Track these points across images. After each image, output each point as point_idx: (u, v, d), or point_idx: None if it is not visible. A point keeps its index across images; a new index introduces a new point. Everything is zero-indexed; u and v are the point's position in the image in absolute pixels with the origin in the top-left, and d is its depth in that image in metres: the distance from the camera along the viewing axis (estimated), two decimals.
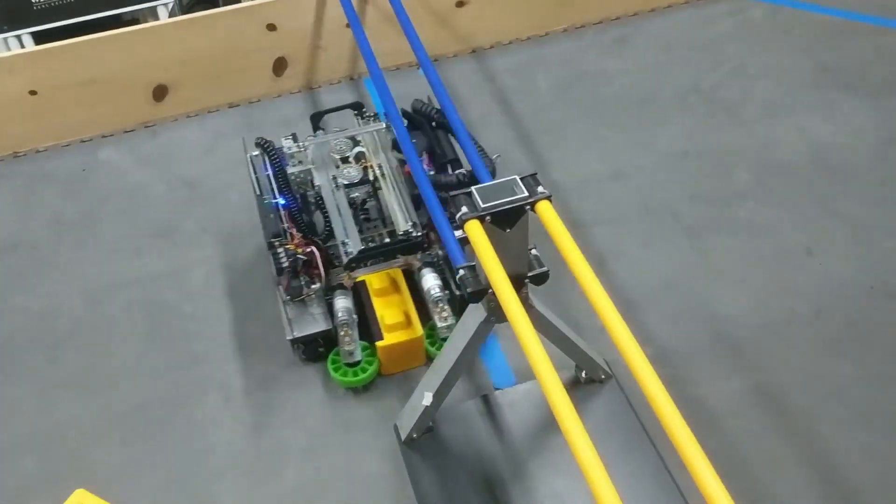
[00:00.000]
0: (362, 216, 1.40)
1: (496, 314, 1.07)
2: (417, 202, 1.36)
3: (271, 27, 1.83)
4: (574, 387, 1.29)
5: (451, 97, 1.84)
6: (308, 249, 1.32)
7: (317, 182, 1.41)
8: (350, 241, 1.32)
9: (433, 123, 1.50)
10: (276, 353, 1.38)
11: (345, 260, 1.33)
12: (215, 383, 1.36)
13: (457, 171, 1.41)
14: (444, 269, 1.35)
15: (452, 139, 1.46)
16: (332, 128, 1.54)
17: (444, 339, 1.27)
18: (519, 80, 1.92)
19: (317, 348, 1.34)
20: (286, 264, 1.33)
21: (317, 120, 1.60)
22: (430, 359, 1.34)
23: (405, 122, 1.43)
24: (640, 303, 1.43)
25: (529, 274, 1.07)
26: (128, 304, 1.49)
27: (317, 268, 1.32)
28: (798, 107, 1.78)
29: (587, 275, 0.92)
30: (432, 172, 1.43)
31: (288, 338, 1.30)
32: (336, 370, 1.31)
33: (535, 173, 1.01)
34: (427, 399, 1.16)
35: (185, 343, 1.42)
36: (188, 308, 1.48)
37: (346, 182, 1.41)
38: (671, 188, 1.63)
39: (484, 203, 0.97)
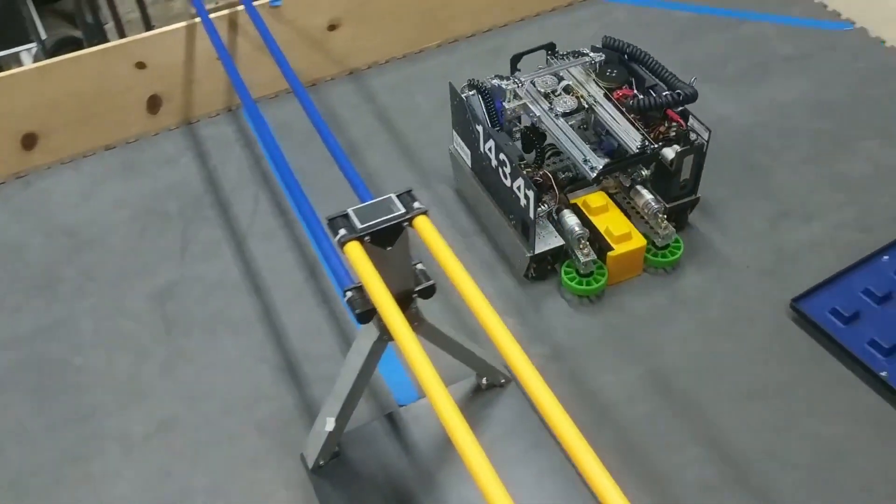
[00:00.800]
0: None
1: (388, 333, 1.08)
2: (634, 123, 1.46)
3: (140, 65, 1.80)
4: (476, 394, 1.31)
5: (332, 119, 1.88)
6: (541, 172, 1.45)
7: (536, 114, 1.49)
8: (591, 159, 1.41)
9: (625, 56, 1.57)
10: None
11: (592, 176, 1.41)
12: (113, 434, 1.32)
13: (664, 93, 1.46)
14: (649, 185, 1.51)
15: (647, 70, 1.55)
16: (527, 70, 1.56)
17: (664, 248, 1.50)
18: (398, 98, 1.94)
19: (547, 266, 1.50)
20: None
21: (515, 62, 1.60)
22: (646, 268, 1.51)
23: (602, 55, 1.56)
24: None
25: (417, 289, 1.08)
26: (12, 364, 1.43)
27: (551, 188, 1.45)
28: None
29: (468, 285, 0.94)
30: (634, 101, 1.48)
31: (528, 255, 1.45)
32: (571, 280, 1.46)
33: (410, 189, 1.03)
34: (329, 424, 1.16)
35: (77, 396, 1.37)
36: (78, 360, 1.43)
37: (563, 111, 1.48)
38: None
39: (362, 224, 0.98)
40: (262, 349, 1.43)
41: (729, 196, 1.63)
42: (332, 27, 1.94)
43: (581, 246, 1.43)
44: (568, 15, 2.16)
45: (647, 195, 1.47)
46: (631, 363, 1.36)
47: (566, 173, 1.51)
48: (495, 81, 1.52)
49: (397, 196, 1.01)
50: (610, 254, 1.44)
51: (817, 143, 1.73)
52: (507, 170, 1.43)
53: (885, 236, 1.51)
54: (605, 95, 1.50)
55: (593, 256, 1.44)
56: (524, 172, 1.41)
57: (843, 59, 1.93)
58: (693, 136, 1.46)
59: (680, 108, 1.46)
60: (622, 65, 1.56)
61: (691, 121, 1.47)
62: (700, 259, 1.52)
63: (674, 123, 1.46)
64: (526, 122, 1.54)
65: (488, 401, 1.30)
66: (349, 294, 1.05)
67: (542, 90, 1.52)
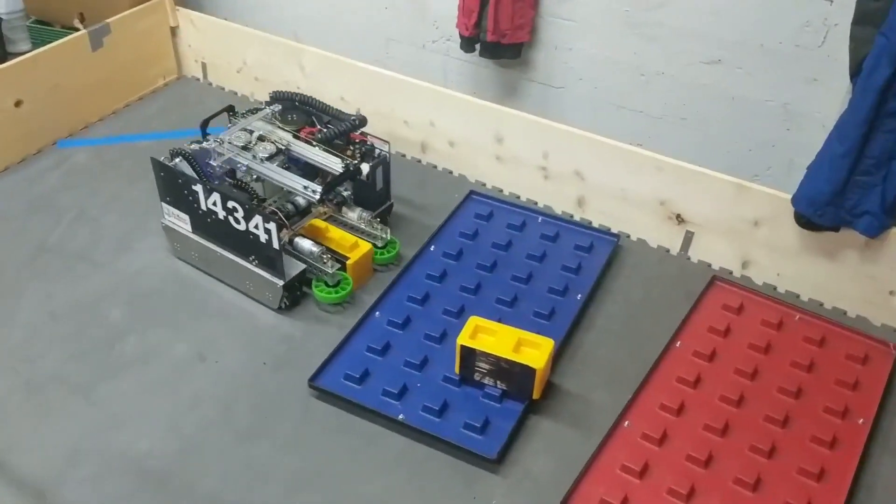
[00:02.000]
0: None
1: None
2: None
3: None
4: None
5: None
6: (269, 210, 1.67)
7: (244, 164, 1.67)
8: (310, 186, 1.63)
9: (297, 102, 1.84)
10: None
11: (316, 198, 1.64)
12: None
13: (342, 122, 1.76)
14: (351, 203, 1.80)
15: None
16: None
17: (383, 247, 1.75)
18: None
19: (297, 292, 1.65)
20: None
21: (204, 127, 1.78)
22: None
23: (279, 105, 1.85)
24: (54, 483, 1.33)
25: None
26: None
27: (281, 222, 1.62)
28: (148, 231, 1.85)
29: None
30: (321, 134, 1.75)
31: (280, 284, 1.60)
32: (322, 292, 1.63)
33: None
34: None
35: None
36: None
37: (266, 156, 1.69)
38: (48, 355, 1.55)
39: None
40: None
41: None
42: None
43: (324, 261, 1.62)
44: (25, 169, 2.03)
45: (357, 209, 1.76)
46: None
47: (284, 209, 1.70)
48: (194, 146, 1.71)
49: None
50: (348, 263, 1.65)
51: None
52: (240, 214, 1.57)
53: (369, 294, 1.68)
54: (294, 136, 1.76)
55: (337, 266, 1.64)
56: (260, 208, 1.60)
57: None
58: (377, 151, 1.74)
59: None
60: (297, 109, 1.84)
61: (370, 139, 1.76)
62: None
63: (356, 144, 1.74)
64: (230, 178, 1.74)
65: None
66: None
67: (240, 144, 1.70)
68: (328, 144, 1.73)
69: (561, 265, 1.75)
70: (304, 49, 2.17)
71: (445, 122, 2.01)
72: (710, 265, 1.79)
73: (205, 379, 1.52)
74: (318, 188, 1.63)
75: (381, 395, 1.47)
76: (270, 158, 1.70)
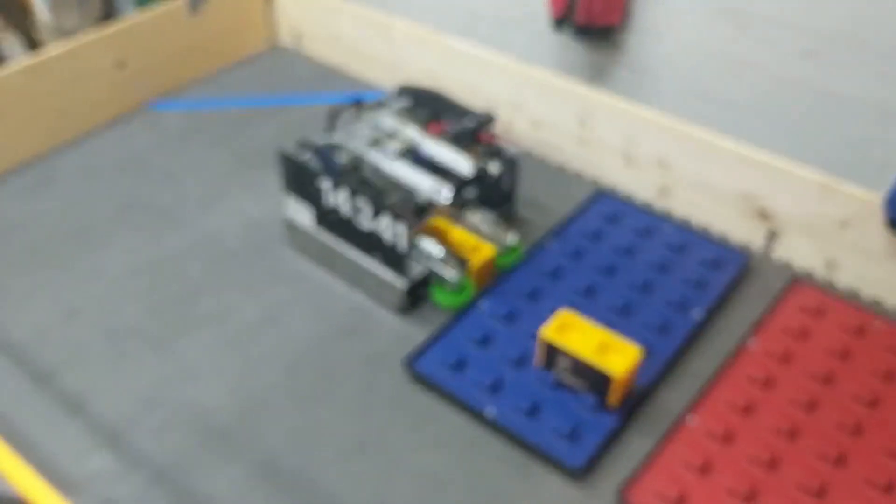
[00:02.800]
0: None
1: None
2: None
3: None
4: None
5: None
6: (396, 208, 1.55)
7: (371, 161, 1.60)
8: (440, 186, 1.53)
9: (424, 97, 1.76)
10: None
11: (445, 202, 1.54)
12: None
13: (468, 121, 1.69)
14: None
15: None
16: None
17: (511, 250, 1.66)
18: None
19: (416, 295, 1.59)
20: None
21: (333, 120, 1.72)
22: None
23: (405, 101, 1.77)
24: (126, 429, 1.39)
25: None
26: None
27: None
28: (230, 194, 1.90)
29: None
30: (449, 132, 1.68)
31: (402, 287, 1.55)
32: (441, 295, 1.58)
33: None
34: None
35: None
36: None
37: (394, 153, 1.62)
38: (130, 307, 1.62)
39: None
40: None
41: None
42: None
43: (449, 266, 1.55)
44: (120, 128, 2.12)
45: (479, 212, 1.68)
46: None
47: (407, 208, 1.57)
48: (321, 140, 1.64)
49: None
50: (469, 267, 1.56)
51: None
52: (368, 212, 1.53)
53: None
54: (422, 133, 1.67)
55: (459, 271, 1.56)
56: (387, 207, 1.50)
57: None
58: (506, 153, 1.69)
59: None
60: (424, 104, 1.77)
61: (499, 139, 1.71)
62: None
63: (484, 143, 1.69)
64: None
65: None
66: None
67: (368, 140, 1.65)
68: (455, 142, 1.67)
69: (682, 278, 1.66)
70: (392, 22, 2.18)
71: (528, 102, 1.99)
72: (791, 264, 1.73)
73: (273, 342, 1.56)
74: (449, 191, 1.54)
75: (472, 387, 1.44)
76: (398, 156, 1.64)
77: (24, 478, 0.83)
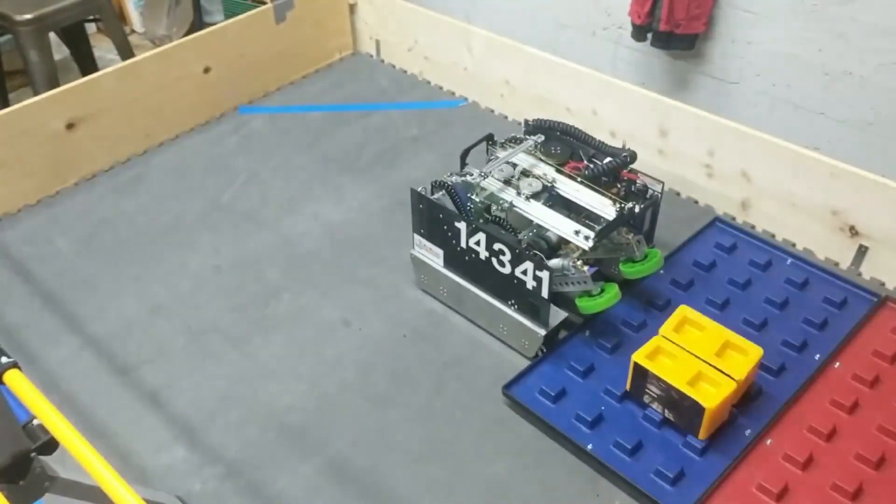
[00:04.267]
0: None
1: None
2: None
3: None
4: None
5: None
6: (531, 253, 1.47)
7: (507, 200, 1.54)
8: (581, 230, 1.46)
9: (558, 132, 1.66)
10: None
11: (588, 246, 1.45)
12: None
13: (608, 159, 1.57)
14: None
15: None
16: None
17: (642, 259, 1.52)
18: (36, 246, 1.83)
19: (553, 338, 1.52)
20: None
21: (464, 158, 1.64)
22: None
23: (541, 136, 1.65)
24: (202, 424, 1.43)
25: (34, 447, 1.01)
26: None
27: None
28: (311, 197, 1.94)
29: (72, 441, 0.89)
30: (588, 171, 1.58)
31: (541, 334, 1.48)
32: (590, 303, 1.46)
33: None
34: None
35: None
36: None
37: (530, 193, 1.54)
38: (211, 305, 1.67)
39: None
40: None
41: None
42: None
43: (580, 267, 1.45)
44: (207, 132, 2.19)
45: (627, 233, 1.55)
46: None
47: (536, 245, 1.54)
48: (455, 178, 1.56)
49: None
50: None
51: None
52: (507, 258, 1.46)
53: None
54: (558, 171, 1.60)
55: (591, 272, 1.47)
56: (531, 255, 1.44)
57: (461, 130, 2.15)
58: (649, 192, 1.58)
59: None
60: (559, 141, 1.66)
61: (641, 177, 1.58)
62: None
63: (625, 182, 1.57)
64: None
65: None
66: None
67: (502, 179, 1.58)
68: (595, 182, 1.57)
69: (803, 318, 1.56)
70: (472, 30, 2.19)
71: (608, 112, 1.97)
72: (883, 283, 1.66)
73: (347, 343, 1.58)
74: (591, 235, 1.46)
75: (573, 419, 1.41)
76: (535, 196, 1.56)
77: (100, 469, 0.86)
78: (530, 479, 1.34)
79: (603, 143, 1.64)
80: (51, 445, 1.02)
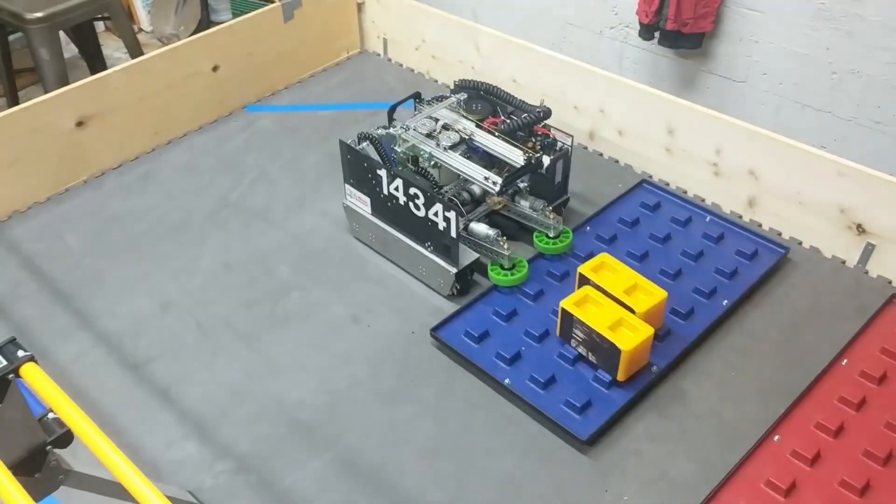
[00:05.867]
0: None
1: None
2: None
3: None
4: None
5: None
6: (447, 198, 1.64)
7: (427, 151, 1.68)
8: (490, 177, 1.61)
9: (481, 91, 1.80)
10: None
11: (496, 190, 1.62)
12: None
13: (524, 115, 1.71)
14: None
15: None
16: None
17: (556, 237, 1.71)
18: (46, 243, 1.84)
19: (467, 279, 1.66)
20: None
21: (391, 113, 1.81)
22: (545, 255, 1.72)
23: (464, 94, 1.82)
24: (212, 420, 1.44)
25: (50, 440, 1.02)
26: None
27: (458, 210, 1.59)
28: (320, 195, 1.95)
29: (90, 433, 0.90)
30: (504, 125, 1.72)
31: (453, 272, 1.61)
32: (498, 274, 1.63)
33: (14, 338, 0.98)
34: None
35: None
36: None
37: (449, 144, 1.69)
38: (221, 302, 1.68)
39: None
40: None
41: None
42: None
43: (501, 245, 1.62)
44: (216, 130, 2.20)
45: (530, 198, 1.73)
46: None
47: (460, 197, 1.72)
48: (381, 131, 1.73)
49: None
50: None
51: None
52: (421, 201, 1.59)
53: None
54: (477, 125, 1.74)
55: (512, 250, 1.63)
56: (440, 197, 1.58)
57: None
58: (559, 145, 1.73)
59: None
60: (481, 99, 1.81)
61: (553, 132, 1.73)
62: None
63: (539, 136, 1.72)
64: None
65: None
66: None
67: (424, 132, 1.71)
68: (510, 136, 1.71)
69: (715, 268, 1.68)
70: (480, 29, 2.20)
71: (616, 111, 1.98)
72: (890, 282, 1.66)
73: (357, 340, 1.59)
74: (499, 180, 1.62)
75: (493, 358, 1.50)
76: (453, 147, 1.70)
77: (118, 462, 0.87)
78: (539, 475, 1.35)
79: (522, 101, 1.77)
80: (66, 438, 1.03)
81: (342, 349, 1.57)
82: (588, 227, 1.79)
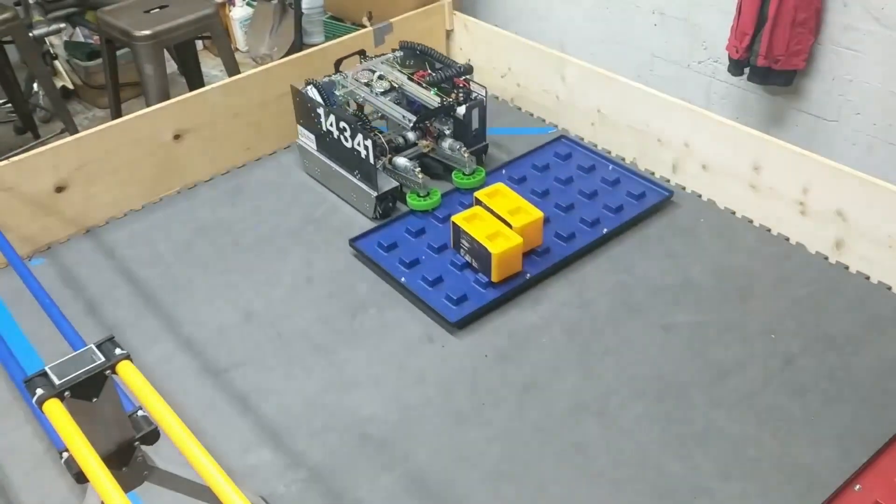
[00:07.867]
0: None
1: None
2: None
3: None
4: None
5: (70, 280, 1.83)
6: (374, 135, 1.94)
7: (361, 95, 2.03)
8: (406, 115, 1.95)
9: (417, 51, 2.16)
10: None
11: (409, 125, 1.95)
12: None
13: (453, 68, 2.05)
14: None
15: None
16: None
17: (470, 174, 2.03)
18: (139, 249, 1.93)
19: (389, 204, 1.97)
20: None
21: (338, 65, 2.13)
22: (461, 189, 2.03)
23: (401, 52, 2.19)
24: (287, 429, 1.48)
25: (138, 436, 1.07)
26: None
27: (383, 147, 1.96)
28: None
29: (179, 433, 0.94)
30: (430, 77, 2.06)
31: (374, 195, 1.91)
32: (415, 200, 1.94)
33: (112, 336, 1.03)
34: None
35: None
36: None
37: (380, 91, 2.04)
38: (301, 314, 1.72)
39: (59, 379, 0.96)
40: None
41: None
42: (59, 189, 1.91)
43: (416, 174, 1.91)
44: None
45: (449, 140, 2.02)
46: None
47: (395, 141, 2.00)
48: (325, 79, 2.05)
49: (97, 345, 1.01)
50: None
51: None
52: (348, 133, 1.89)
53: None
54: (409, 78, 2.07)
55: (427, 181, 1.94)
56: (359, 125, 1.87)
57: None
58: (474, 95, 2.02)
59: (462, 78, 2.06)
60: (416, 57, 2.16)
61: (471, 84, 2.04)
62: None
63: (460, 88, 2.02)
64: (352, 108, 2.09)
65: None
66: (65, 455, 1.02)
67: (363, 81, 2.06)
68: (436, 87, 2.02)
69: (604, 204, 1.93)
70: (567, 59, 2.21)
71: (701, 145, 1.96)
72: None
73: (431, 359, 1.61)
74: (413, 117, 1.93)
75: (396, 263, 1.80)
76: (385, 94, 2.02)
77: (204, 462, 0.90)
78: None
79: (450, 59, 2.11)
80: (153, 436, 1.07)
81: (416, 368, 1.59)
82: (504, 171, 2.08)
